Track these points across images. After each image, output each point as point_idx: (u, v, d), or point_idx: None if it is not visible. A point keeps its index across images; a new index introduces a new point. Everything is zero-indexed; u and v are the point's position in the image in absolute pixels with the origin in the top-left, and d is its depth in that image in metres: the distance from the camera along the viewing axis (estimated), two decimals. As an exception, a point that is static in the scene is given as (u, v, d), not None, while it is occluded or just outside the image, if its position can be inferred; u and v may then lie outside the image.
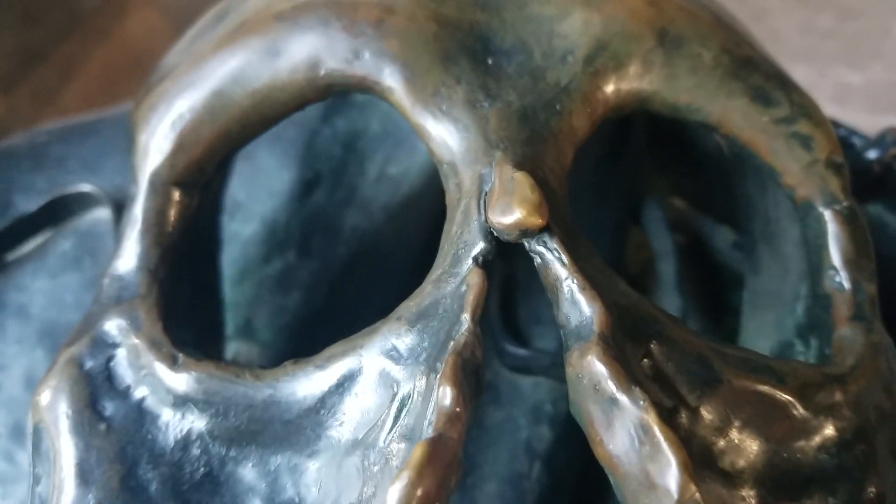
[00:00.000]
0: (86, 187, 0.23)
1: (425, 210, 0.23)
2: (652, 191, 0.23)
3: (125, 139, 0.26)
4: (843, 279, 0.15)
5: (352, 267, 0.22)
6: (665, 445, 0.10)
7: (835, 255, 0.15)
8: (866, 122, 0.77)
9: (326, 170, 0.23)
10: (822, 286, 0.15)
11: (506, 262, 0.22)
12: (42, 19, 0.60)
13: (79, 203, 0.23)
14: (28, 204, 0.24)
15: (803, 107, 0.15)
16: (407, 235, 0.23)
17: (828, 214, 0.15)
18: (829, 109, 0.68)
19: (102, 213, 0.23)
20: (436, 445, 0.10)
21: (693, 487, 0.09)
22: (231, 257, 0.21)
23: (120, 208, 0.22)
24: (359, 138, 0.24)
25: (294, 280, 0.22)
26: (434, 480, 0.09)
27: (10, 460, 0.19)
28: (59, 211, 0.23)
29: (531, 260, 0.13)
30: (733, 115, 0.15)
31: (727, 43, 0.15)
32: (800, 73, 0.68)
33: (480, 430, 0.19)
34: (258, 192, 0.23)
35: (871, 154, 0.24)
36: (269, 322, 0.21)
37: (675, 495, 0.09)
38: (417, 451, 0.10)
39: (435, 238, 0.16)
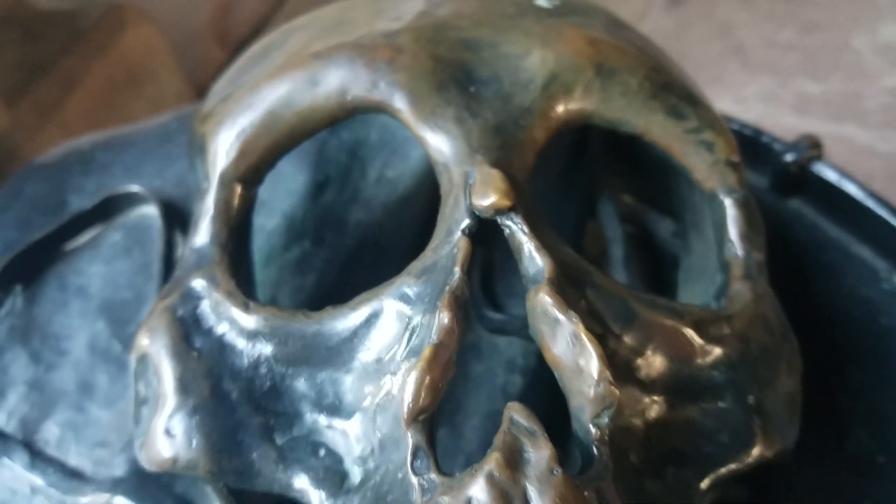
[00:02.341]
0: (134, 188, 0.27)
1: (417, 206, 0.28)
2: (606, 190, 0.28)
3: (160, 147, 0.31)
4: (738, 249, 0.20)
5: (357, 254, 0.27)
6: (588, 346, 0.15)
7: (732, 231, 0.20)
8: (825, 129, 0.82)
9: (334, 173, 0.28)
10: (724, 256, 0.20)
11: (486, 248, 0.28)
12: (43, 35, 0.62)
13: (127, 201, 0.28)
14: (80, 203, 0.29)
15: (708, 120, 0.20)
16: (402, 228, 0.28)
17: (727, 202, 0.20)
18: (790, 118, 0.74)
19: (147, 210, 0.28)
20: (438, 349, 0.15)
21: (606, 371, 0.15)
22: (257, 245, 0.26)
23: (163, 206, 0.27)
24: (361, 147, 0.29)
25: (309, 265, 0.27)
26: (438, 371, 0.15)
27: (80, 410, 0.24)
28: (109, 208, 0.28)
29: (506, 247, 0.19)
30: (654, 127, 0.20)
31: (649, 72, 0.20)
32: (763, 84, 0.74)
33: (466, 380, 0.24)
34: (279, 192, 0.28)
35: (790, 157, 0.29)
36: (290, 299, 0.26)
37: (595, 376, 0.15)
38: (427, 352, 0.15)
39: (425, 230, 0.21)
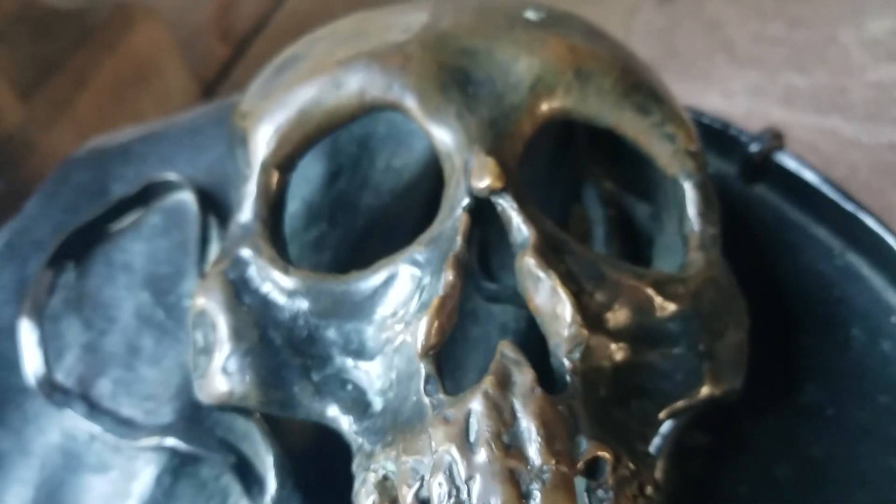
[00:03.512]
0: (171, 176, 0.32)
1: (420, 192, 0.32)
2: (589, 176, 0.32)
3: (191, 140, 0.35)
4: (695, 224, 0.24)
5: (367, 234, 0.31)
6: (564, 297, 0.19)
7: (690, 210, 0.24)
8: (811, 122, 0.86)
9: (346, 163, 0.32)
10: (684, 230, 0.25)
11: (482, 230, 0.32)
12: (55, 32, 0.65)
13: (164, 188, 0.32)
14: (121, 189, 0.33)
15: (670, 115, 0.25)
16: (406, 211, 0.32)
17: (686, 185, 0.25)
18: (777, 111, 0.79)
19: (183, 196, 0.32)
20: (444, 299, 0.19)
21: (577, 316, 0.19)
22: (281, 226, 0.31)
23: (197, 191, 0.32)
24: (370, 139, 0.32)
25: (326, 244, 0.31)
26: (444, 317, 0.19)
27: (129, 369, 0.28)
28: (149, 194, 0.32)
29: (500, 228, 0.23)
30: (624, 121, 0.24)
31: (620, 74, 0.24)
32: (751, 78, 0.78)
33: (465, 342, 0.28)
34: (298, 180, 0.32)
35: (754, 147, 0.34)
36: (310, 274, 0.30)
37: (568, 320, 0.19)
38: (435, 301, 0.19)
39: (427, 212, 0.25)
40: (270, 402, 0.21)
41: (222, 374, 0.21)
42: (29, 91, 0.59)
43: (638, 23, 0.86)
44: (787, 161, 0.33)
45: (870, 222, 0.31)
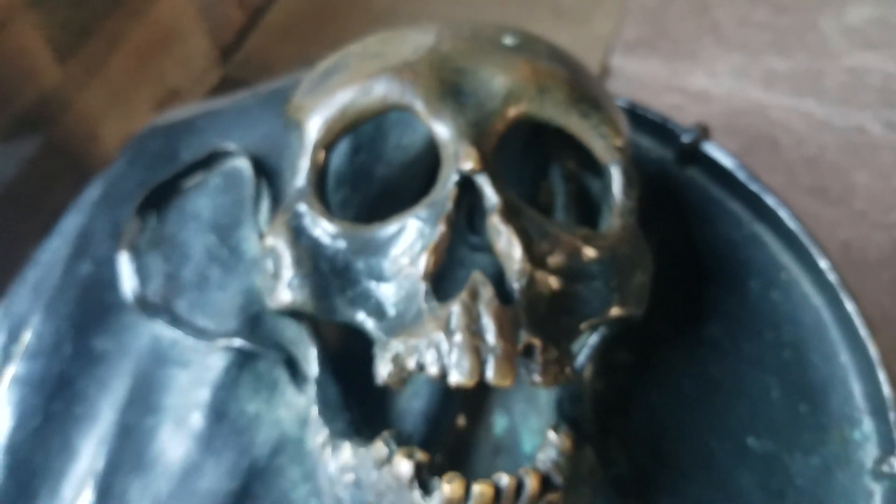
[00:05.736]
0: (230, 146, 0.44)
1: (422, 166, 0.40)
2: (555, 158, 0.44)
3: (241, 118, 0.47)
4: (618, 199, 0.36)
5: (381, 197, 0.43)
6: (516, 242, 0.31)
7: (615, 188, 0.36)
8: (787, 103, 0.98)
9: (365, 141, 0.41)
10: (609, 202, 0.37)
11: (470, 198, 0.44)
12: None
13: (225, 155, 0.44)
14: (189, 155, 0.44)
15: (605, 119, 0.36)
16: (411, 180, 0.40)
17: (614, 170, 0.36)
18: (757, 92, 0.93)
19: (239, 162, 0.44)
20: (437, 243, 0.31)
21: (525, 255, 0.31)
22: (315, 189, 0.42)
23: (251, 159, 0.43)
24: (384, 121, 0.40)
25: (349, 204, 0.40)
26: (438, 254, 0.31)
27: (201, 292, 0.40)
28: (212, 159, 0.44)
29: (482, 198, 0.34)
30: (571, 123, 0.36)
31: (570, 90, 0.36)
32: (735, 60, 0.92)
33: (453, 280, 0.40)
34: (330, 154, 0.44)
35: (686, 138, 0.46)
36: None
37: (518, 258, 0.31)
38: (431, 244, 0.31)
39: (427, 182, 0.36)
40: (319, 309, 0.33)
41: (288, 289, 0.33)
42: (65, 54, 0.67)
43: (632, 3, 0.97)
44: (712, 150, 0.45)
45: (770, 200, 0.43)
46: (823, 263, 0.40)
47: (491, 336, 0.29)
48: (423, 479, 0.29)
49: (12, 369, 0.39)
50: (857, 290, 0.39)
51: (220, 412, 0.37)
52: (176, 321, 0.39)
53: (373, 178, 0.41)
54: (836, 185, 0.80)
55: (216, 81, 0.89)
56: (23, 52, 0.62)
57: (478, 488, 0.28)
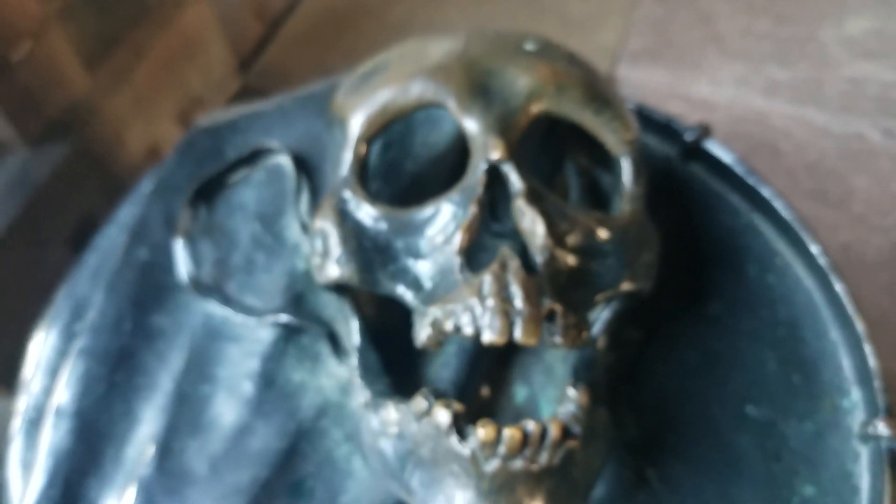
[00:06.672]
0: (273, 143, 0.49)
1: (447, 161, 0.44)
2: (569, 154, 0.49)
3: (281, 119, 0.53)
4: (628, 187, 0.41)
5: (410, 189, 0.48)
6: (539, 222, 0.36)
7: (626, 177, 0.41)
8: (788, 111, 1.03)
9: (395, 138, 0.44)
10: (620, 190, 0.42)
11: (494, 191, 0.49)
12: (116, 10, 0.75)
13: (267, 152, 0.49)
14: (233, 152, 0.50)
15: (617, 116, 0.41)
16: (436, 174, 0.44)
17: (623, 161, 0.42)
18: (759, 100, 0.99)
19: (280, 159, 0.49)
20: (470, 222, 0.36)
21: (547, 232, 0.36)
22: (351, 182, 0.48)
23: (292, 156, 0.49)
24: (412, 120, 0.44)
25: (381, 195, 0.45)
26: (471, 233, 0.36)
27: (248, 275, 0.46)
28: (256, 156, 0.49)
29: (506, 189, 0.39)
30: (586, 119, 0.41)
31: (586, 89, 0.41)
32: (737, 69, 0.98)
33: (478, 265, 0.46)
34: (362, 149, 0.49)
35: (689, 136, 0.51)
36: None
37: (541, 235, 0.36)
38: (464, 223, 0.36)
39: (452, 176, 0.42)
40: (364, 282, 0.38)
41: (336, 265, 0.38)
42: (93, 63, 0.71)
43: (638, 14, 1.02)
44: (714, 147, 0.51)
45: (766, 192, 0.48)
46: (815, 249, 0.45)
47: (519, 301, 0.34)
48: (460, 426, 0.34)
49: (78, 343, 0.44)
50: (856, 290, 0.43)
51: (269, 380, 0.42)
52: (227, 300, 0.44)
53: (402, 171, 0.45)
54: (835, 189, 0.85)
55: (236, 90, 0.94)
56: (54, 62, 0.66)
57: (508, 432, 0.33)
